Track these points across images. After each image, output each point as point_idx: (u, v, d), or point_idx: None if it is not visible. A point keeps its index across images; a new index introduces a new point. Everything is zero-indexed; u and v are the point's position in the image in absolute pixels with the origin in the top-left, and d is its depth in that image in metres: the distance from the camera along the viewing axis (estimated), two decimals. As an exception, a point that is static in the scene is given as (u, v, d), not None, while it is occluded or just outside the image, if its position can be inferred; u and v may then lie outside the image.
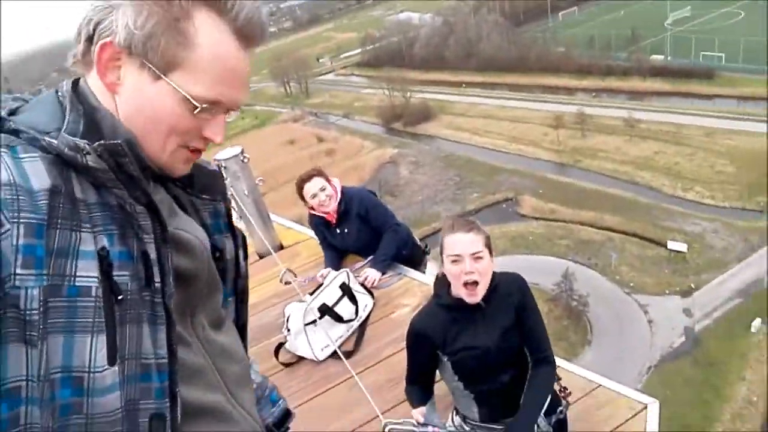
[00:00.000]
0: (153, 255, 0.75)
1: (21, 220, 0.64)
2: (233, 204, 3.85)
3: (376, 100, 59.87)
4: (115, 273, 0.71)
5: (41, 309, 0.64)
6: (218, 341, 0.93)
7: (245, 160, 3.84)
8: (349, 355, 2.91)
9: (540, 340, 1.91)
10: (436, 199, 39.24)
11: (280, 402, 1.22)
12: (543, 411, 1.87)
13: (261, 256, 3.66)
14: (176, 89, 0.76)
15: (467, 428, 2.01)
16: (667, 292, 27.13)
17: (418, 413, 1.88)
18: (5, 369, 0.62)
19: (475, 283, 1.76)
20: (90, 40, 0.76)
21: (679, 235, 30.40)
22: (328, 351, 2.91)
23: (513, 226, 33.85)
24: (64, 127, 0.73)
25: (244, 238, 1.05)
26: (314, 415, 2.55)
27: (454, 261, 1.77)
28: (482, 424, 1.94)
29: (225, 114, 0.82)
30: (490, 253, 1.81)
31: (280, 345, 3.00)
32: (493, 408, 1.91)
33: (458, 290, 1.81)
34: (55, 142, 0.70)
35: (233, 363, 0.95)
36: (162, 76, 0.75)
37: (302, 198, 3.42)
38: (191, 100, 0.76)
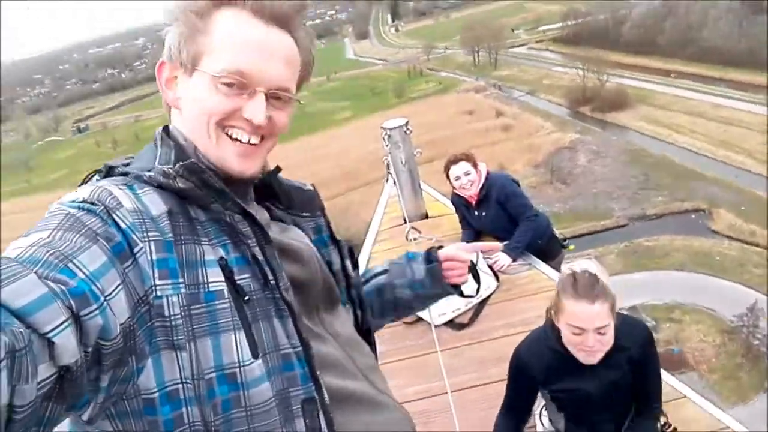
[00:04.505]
0: (260, 257, 0.80)
1: (150, 239, 0.71)
2: (390, 170, 4.23)
3: (567, 79, 56.26)
4: (236, 277, 0.76)
5: (183, 314, 0.70)
6: (346, 334, 0.98)
7: (408, 132, 4.17)
8: (462, 327, 3.15)
9: (650, 395, 1.83)
10: (613, 195, 35.88)
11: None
12: None
13: (406, 222, 4.00)
14: (204, 73, 0.81)
15: (553, 429, 2.04)
16: None
17: None
18: (161, 374, 0.69)
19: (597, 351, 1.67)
20: None
21: None
22: (445, 318, 3.17)
23: (699, 242, 29.69)
24: (157, 160, 0.81)
25: (351, 249, 1.08)
26: (413, 371, 2.88)
27: (575, 334, 1.64)
28: None
29: (267, 97, 0.83)
30: (614, 316, 1.65)
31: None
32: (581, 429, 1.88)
33: (573, 349, 1.70)
34: (153, 174, 0.76)
35: (364, 354, 1.00)
36: (195, 68, 0.81)
37: (447, 178, 3.69)
38: (216, 75, 0.80)
